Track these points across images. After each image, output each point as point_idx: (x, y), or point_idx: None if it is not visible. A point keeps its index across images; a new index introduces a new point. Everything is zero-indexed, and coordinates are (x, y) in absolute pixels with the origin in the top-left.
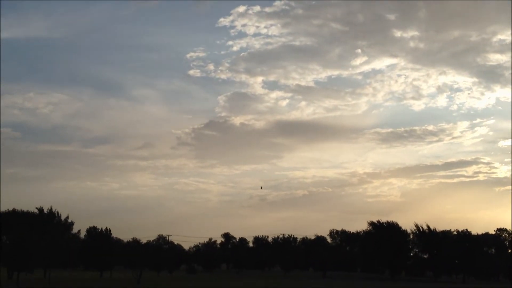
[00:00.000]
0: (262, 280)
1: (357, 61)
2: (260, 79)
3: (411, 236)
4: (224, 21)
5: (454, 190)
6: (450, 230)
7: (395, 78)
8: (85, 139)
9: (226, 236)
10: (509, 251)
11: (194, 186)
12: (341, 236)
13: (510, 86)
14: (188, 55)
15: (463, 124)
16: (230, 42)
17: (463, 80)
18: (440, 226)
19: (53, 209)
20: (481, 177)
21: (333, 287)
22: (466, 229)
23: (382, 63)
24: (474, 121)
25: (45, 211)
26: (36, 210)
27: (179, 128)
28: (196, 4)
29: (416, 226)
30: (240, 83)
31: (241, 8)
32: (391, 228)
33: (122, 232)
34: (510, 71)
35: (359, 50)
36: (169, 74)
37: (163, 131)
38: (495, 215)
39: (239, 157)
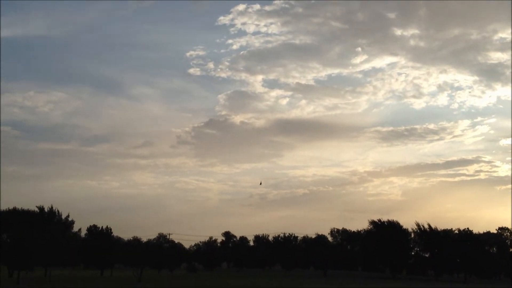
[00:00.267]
0: (263, 278)
1: (357, 60)
2: (260, 77)
3: (412, 235)
4: (224, 20)
5: (455, 189)
6: (452, 229)
7: (396, 77)
8: (84, 137)
9: (227, 234)
10: (511, 250)
11: (194, 185)
12: (342, 235)
13: (511, 84)
14: (188, 54)
15: (464, 123)
16: (230, 41)
17: (464, 78)
18: (441, 225)
19: (54, 208)
20: (482, 175)
21: (334, 286)
22: (468, 228)
23: (382, 61)
24: (475, 120)
25: (46, 209)
26: (36, 209)
27: (179, 127)
28: (195, 3)
29: (417, 225)
30: (240, 81)
31: (241, 7)
32: (392, 227)
33: (123, 231)
34: (510, 70)
35: (359, 49)
36: (169, 72)
37: (163, 129)
38: (496, 214)
39: (239, 155)
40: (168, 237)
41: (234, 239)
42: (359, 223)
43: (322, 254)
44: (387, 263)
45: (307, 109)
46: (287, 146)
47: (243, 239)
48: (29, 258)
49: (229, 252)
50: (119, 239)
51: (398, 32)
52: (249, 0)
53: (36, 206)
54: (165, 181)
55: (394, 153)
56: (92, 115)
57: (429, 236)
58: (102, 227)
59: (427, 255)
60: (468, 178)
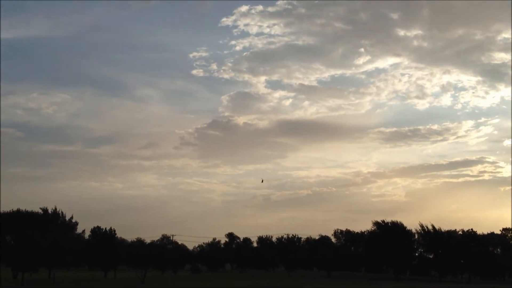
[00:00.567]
0: (266, 279)
1: (361, 60)
2: (263, 78)
3: (416, 236)
4: (227, 21)
5: (459, 190)
6: (455, 230)
7: (399, 77)
8: (88, 139)
9: (230, 236)
10: None
11: (198, 186)
12: (345, 236)
13: None
14: (191, 55)
15: (468, 123)
16: (233, 42)
17: (467, 79)
18: (445, 226)
19: (58, 209)
20: (486, 176)
21: (337, 287)
22: (472, 229)
23: (385, 62)
24: (478, 120)
25: (49, 211)
26: (40, 210)
27: (182, 128)
28: (198, 4)
29: (421, 226)
30: (243, 82)
31: (244, 8)
32: (396, 228)
33: (126, 232)
34: None
35: (362, 49)
36: (172, 73)
37: (167, 131)
38: (500, 215)
39: (243, 156)
40: (171, 238)
41: (238, 240)
42: (362, 224)
43: (325, 255)
44: (390, 264)
45: (310, 110)
46: (291, 147)
47: (247, 240)
48: (32, 259)
49: (232, 253)
50: (122, 241)
51: (401, 32)
52: (252, 1)
53: (40, 208)
54: (169, 182)
55: (397, 154)
56: (96, 117)
57: (433, 237)
58: (105, 228)
59: (430, 256)
60: (472, 179)
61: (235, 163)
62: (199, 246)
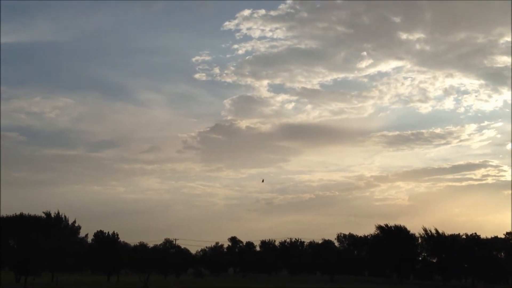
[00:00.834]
0: (269, 284)
1: (363, 64)
2: (265, 82)
3: (419, 240)
4: (229, 25)
5: (462, 194)
6: (459, 234)
7: (402, 81)
8: (91, 143)
9: (233, 240)
10: None
11: (201, 190)
12: (348, 240)
13: None
14: (193, 59)
15: (471, 127)
16: (235, 46)
17: (470, 82)
18: (448, 230)
19: (60, 213)
20: (489, 180)
21: None
22: (475, 233)
23: (388, 65)
24: (481, 124)
25: (52, 215)
26: (43, 214)
27: (185, 132)
28: (201, 8)
29: (424, 230)
30: (245, 86)
31: (246, 12)
32: (399, 232)
33: (129, 236)
34: None
35: (365, 53)
36: (175, 77)
37: (169, 134)
38: (504, 219)
39: (245, 160)
40: (174, 242)
41: (241, 244)
42: (365, 228)
43: (328, 259)
44: (394, 268)
45: (313, 114)
46: (293, 151)
47: (250, 244)
48: (35, 263)
49: (235, 257)
50: (125, 245)
51: (404, 36)
52: (255, 5)
53: (43, 212)
54: (171, 186)
55: (400, 158)
56: (98, 121)
57: (436, 241)
58: (108, 232)
59: (434, 260)
60: (476, 183)
61: (238, 167)
62: (202, 250)
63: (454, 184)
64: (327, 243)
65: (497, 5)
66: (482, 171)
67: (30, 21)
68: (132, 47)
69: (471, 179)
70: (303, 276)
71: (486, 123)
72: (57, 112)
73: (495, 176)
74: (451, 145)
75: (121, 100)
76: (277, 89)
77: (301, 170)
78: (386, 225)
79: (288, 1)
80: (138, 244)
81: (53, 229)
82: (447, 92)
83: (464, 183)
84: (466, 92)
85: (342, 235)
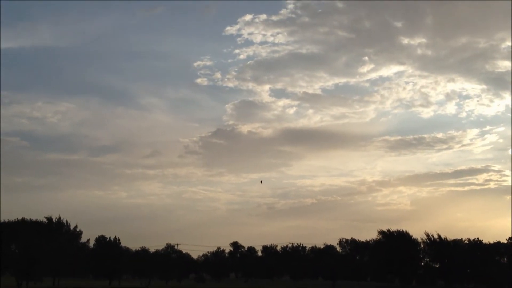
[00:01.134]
0: None
1: (364, 69)
2: (267, 87)
3: (422, 245)
4: (231, 30)
5: (464, 198)
6: (461, 238)
7: (403, 86)
8: (93, 147)
9: (235, 245)
10: None
11: (202, 195)
12: (350, 245)
13: None
14: (195, 64)
15: (473, 132)
16: (237, 51)
17: (472, 87)
18: (451, 235)
19: (62, 218)
20: (491, 185)
21: None
22: (478, 238)
23: (389, 70)
24: (483, 129)
25: (54, 220)
26: (44, 219)
27: (186, 137)
28: (203, 13)
29: (427, 234)
30: (247, 91)
31: (248, 17)
32: (401, 237)
33: (131, 241)
34: None
35: (366, 58)
36: (177, 82)
37: (171, 139)
38: (506, 224)
39: (247, 165)
40: (176, 247)
41: (242, 249)
42: (367, 233)
43: (330, 264)
44: (396, 273)
45: (314, 119)
46: (295, 155)
47: (251, 249)
48: (37, 268)
49: (237, 262)
50: (127, 250)
51: (405, 40)
52: (256, 10)
53: (45, 217)
54: (173, 191)
55: (402, 162)
56: (100, 125)
57: (439, 246)
58: (110, 237)
59: (436, 265)
60: (478, 188)
61: (239, 171)
62: (203, 255)
63: (456, 189)
64: (329, 248)
65: (499, 10)
66: (484, 176)
67: (32, 26)
68: (133, 52)
69: (473, 184)
70: (305, 281)
71: (488, 128)
72: (59, 117)
73: (497, 181)
74: (453, 150)
75: (123, 105)
76: (278, 93)
77: (303, 175)
78: (388, 230)
79: (289, 6)
80: (139, 249)
81: (55, 234)
82: (449, 96)
83: (466, 188)
84: (468, 97)
85: (344, 240)
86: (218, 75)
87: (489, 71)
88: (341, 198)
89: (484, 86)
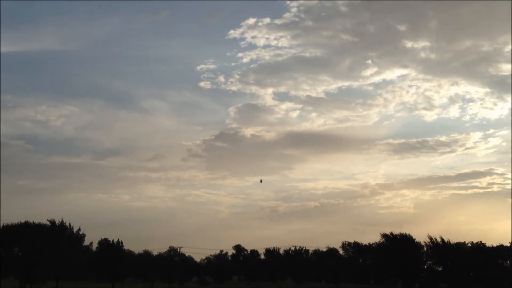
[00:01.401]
0: None
1: (368, 72)
2: (270, 90)
3: (425, 248)
4: (234, 33)
5: (468, 202)
6: (464, 242)
7: (406, 89)
8: (96, 151)
9: (238, 248)
10: None
11: (205, 198)
12: (353, 248)
13: None
14: (198, 67)
15: (476, 135)
16: (240, 54)
17: (475, 90)
18: (454, 238)
19: (65, 221)
20: (495, 188)
21: None
22: (481, 241)
23: (393, 73)
24: (487, 132)
25: (57, 223)
26: (48, 222)
27: (189, 140)
28: (206, 17)
29: (430, 238)
30: (250, 94)
31: (251, 20)
32: (404, 240)
33: (134, 244)
34: None
35: (370, 61)
36: (180, 86)
37: (174, 142)
38: (509, 227)
39: (250, 168)
40: (179, 250)
41: (245, 252)
42: (370, 236)
43: (333, 267)
44: (399, 276)
45: (317, 122)
46: (298, 159)
47: (254, 252)
48: (40, 271)
49: (240, 265)
50: (130, 252)
51: (409, 44)
52: (260, 13)
53: (48, 220)
54: (176, 194)
55: (405, 166)
56: (104, 129)
57: (442, 249)
58: (113, 240)
59: (439, 269)
60: (481, 191)
61: (242, 174)
62: (206, 258)
63: (459, 192)
64: (332, 251)
65: (502, 14)
66: (488, 179)
67: (36, 30)
68: (137, 56)
69: (477, 187)
70: (308, 284)
71: (491, 131)
72: (62, 120)
73: (500, 184)
74: (456, 153)
75: (126, 108)
76: (281, 97)
77: (306, 178)
78: (391, 233)
79: (293, 10)
80: (142, 252)
81: (58, 237)
82: (452, 100)
83: (469, 191)
84: (471, 100)
85: (347, 243)
86: (221, 78)
87: (492, 75)
88: (344, 201)
89: (487, 90)
